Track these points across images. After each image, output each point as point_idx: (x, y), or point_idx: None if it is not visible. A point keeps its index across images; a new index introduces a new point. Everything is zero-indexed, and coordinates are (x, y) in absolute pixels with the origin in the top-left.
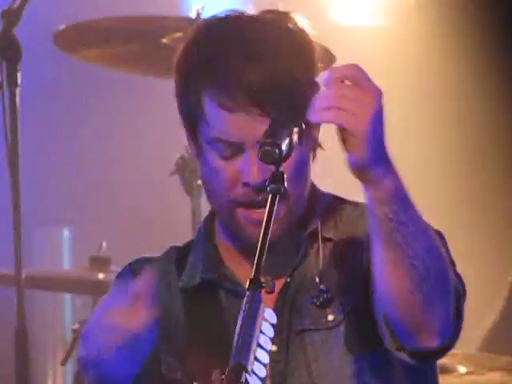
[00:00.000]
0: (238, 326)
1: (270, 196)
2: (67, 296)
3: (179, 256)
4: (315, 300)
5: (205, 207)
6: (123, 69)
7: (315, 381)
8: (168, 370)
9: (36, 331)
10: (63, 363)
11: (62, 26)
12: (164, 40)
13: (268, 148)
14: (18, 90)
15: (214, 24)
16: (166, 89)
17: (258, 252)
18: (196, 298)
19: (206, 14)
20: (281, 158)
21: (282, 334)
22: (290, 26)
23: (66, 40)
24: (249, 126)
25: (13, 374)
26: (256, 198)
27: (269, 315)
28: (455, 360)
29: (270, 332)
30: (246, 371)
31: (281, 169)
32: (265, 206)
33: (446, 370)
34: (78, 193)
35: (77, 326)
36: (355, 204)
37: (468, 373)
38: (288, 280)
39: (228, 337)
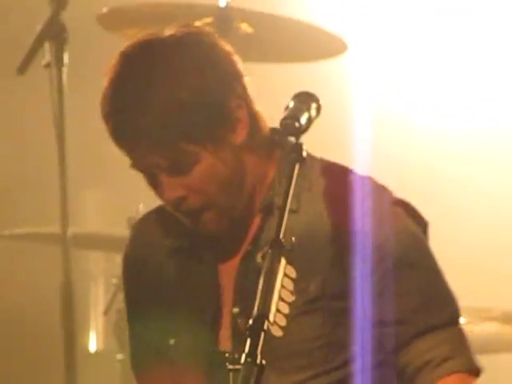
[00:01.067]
0: (260, 281)
1: (290, 164)
2: (108, 253)
3: (162, 217)
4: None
5: None
6: None
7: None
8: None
9: (80, 285)
10: (105, 313)
11: (106, 9)
12: (197, 23)
13: (288, 121)
14: (64, 69)
15: (120, 59)
16: None
17: (279, 215)
18: (173, 263)
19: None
20: (300, 130)
21: (245, 296)
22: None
23: (109, 21)
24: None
25: (59, 324)
26: (181, 207)
27: (289, 271)
28: None
29: (290, 286)
30: (269, 321)
31: (300, 140)
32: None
33: None
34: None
35: (116, 280)
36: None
37: (466, 323)
38: (250, 247)
39: (197, 299)
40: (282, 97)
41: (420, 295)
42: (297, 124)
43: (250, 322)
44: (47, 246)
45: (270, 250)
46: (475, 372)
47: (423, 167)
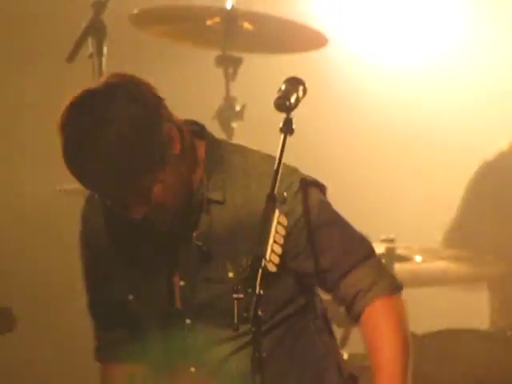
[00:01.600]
0: (260, 228)
1: (282, 136)
2: None
3: None
4: (206, 255)
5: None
6: (178, 41)
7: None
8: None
9: None
10: None
11: (136, 10)
12: (207, 22)
13: (281, 101)
14: (103, 59)
15: (65, 114)
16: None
17: (274, 173)
18: (131, 227)
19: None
20: (290, 108)
21: (188, 275)
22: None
23: (138, 20)
24: None
25: None
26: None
27: (282, 220)
28: (412, 251)
29: (283, 231)
30: (265, 259)
31: (290, 116)
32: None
33: (405, 259)
34: None
35: None
36: (242, 153)
37: (422, 261)
38: (186, 234)
39: (152, 260)
40: (276, 81)
41: (338, 244)
42: (287, 103)
43: (250, 261)
44: None
45: (266, 204)
46: (397, 289)
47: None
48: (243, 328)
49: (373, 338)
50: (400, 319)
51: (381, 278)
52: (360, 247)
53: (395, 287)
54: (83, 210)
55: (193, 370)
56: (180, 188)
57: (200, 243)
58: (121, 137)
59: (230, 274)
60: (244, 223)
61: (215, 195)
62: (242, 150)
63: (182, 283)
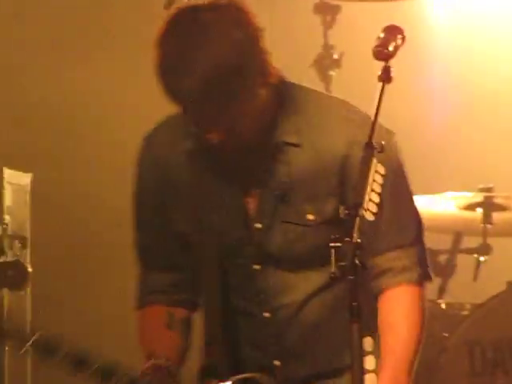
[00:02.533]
0: (358, 179)
1: (382, 85)
2: None
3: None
4: (286, 199)
5: None
6: None
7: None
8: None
9: None
10: None
11: None
12: None
13: (380, 49)
14: None
15: (168, 26)
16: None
17: (373, 121)
18: (195, 164)
19: None
20: (388, 56)
21: (265, 218)
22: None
23: None
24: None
25: None
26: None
27: (379, 168)
28: (510, 200)
29: (380, 180)
30: (362, 207)
31: (389, 64)
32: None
33: (503, 208)
34: None
35: None
36: (317, 97)
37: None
38: (264, 177)
39: (221, 196)
40: (374, 29)
41: (397, 217)
42: (386, 51)
43: (347, 210)
44: None
45: (363, 152)
46: (426, 280)
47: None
48: (316, 273)
49: (391, 319)
50: (421, 310)
51: (416, 266)
52: (413, 229)
53: (425, 278)
54: (148, 140)
55: (267, 315)
56: (259, 120)
57: (278, 186)
58: (220, 58)
59: (310, 217)
60: (322, 166)
61: (291, 138)
62: (316, 94)
63: (258, 225)
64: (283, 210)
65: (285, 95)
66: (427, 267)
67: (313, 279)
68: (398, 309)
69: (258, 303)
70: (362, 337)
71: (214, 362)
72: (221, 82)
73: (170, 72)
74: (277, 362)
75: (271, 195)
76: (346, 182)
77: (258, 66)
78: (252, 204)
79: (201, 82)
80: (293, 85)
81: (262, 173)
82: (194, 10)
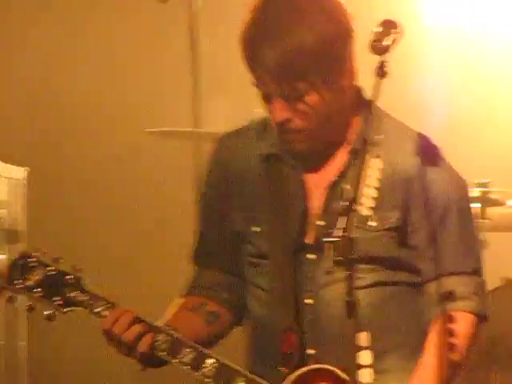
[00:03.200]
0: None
1: (378, 79)
2: None
3: (260, 128)
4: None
5: None
6: None
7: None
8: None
9: None
10: None
11: None
12: None
13: (376, 43)
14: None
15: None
16: None
17: (369, 117)
18: (266, 166)
19: None
20: (384, 50)
21: (329, 213)
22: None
23: None
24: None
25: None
26: (284, 127)
27: (377, 163)
28: (506, 196)
29: (378, 174)
30: (355, 202)
31: (384, 59)
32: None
33: (498, 203)
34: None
35: None
36: (394, 121)
37: None
38: (336, 178)
39: (285, 197)
40: (370, 23)
41: (463, 244)
42: (381, 45)
43: (342, 204)
44: (183, 141)
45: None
46: (483, 318)
47: None
48: (366, 273)
49: (448, 339)
50: (473, 340)
51: (475, 297)
52: (475, 259)
53: (484, 315)
54: (217, 149)
55: (310, 301)
56: (326, 118)
57: (347, 190)
58: (303, 41)
59: (373, 223)
60: (392, 180)
61: (372, 150)
62: (389, 115)
63: (321, 223)
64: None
65: (364, 107)
66: (487, 305)
67: (361, 276)
68: (465, 332)
69: (305, 290)
70: (356, 329)
71: (291, 351)
72: (297, 64)
73: (252, 41)
74: (311, 351)
75: (339, 195)
76: (410, 199)
77: (340, 61)
78: (318, 200)
79: (278, 59)
80: (370, 101)
81: (335, 172)
82: None
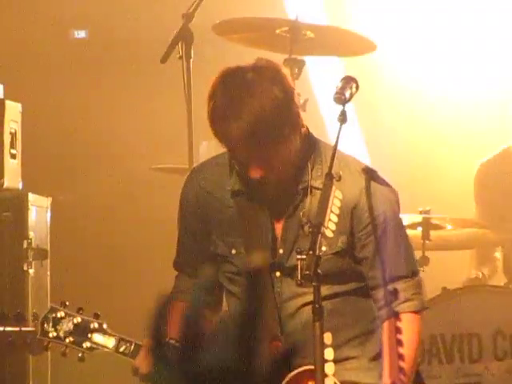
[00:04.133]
0: (319, 202)
1: (339, 125)
2: None
3: (228, 164)
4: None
5: None
6: (252, 46)
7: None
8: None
9: None
10: None
11: (218, 21)
12: (277, 31)
13: (338, 95)
14: (191, 60)
15: (219, 86)
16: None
17: (332, 156)
18: (236, 200)
19: (301, 17)
20: (345, 101)
21: (287, 243)
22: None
23: (219, 29)
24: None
25: None
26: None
27: (338, 194)
28: (444, 221)
29: (338, 203)
30: (324, 226)
31: (345, 108)
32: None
33: (438, 227)
34: None
35: None
36: (347, 163)
37: (452, 229)
38: (291, 212)
39: (255, 226)
40: (333, 80)
41: (402, 252)
42: (343, 97)
43: (310, 228)
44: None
45: (319, 182)
46: (424, 309)
47: None
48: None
49: (404, 339)
50: (419, 334)
51: (417, 296)
52: (412, 262)
53: (422, 308)
54: (193, 174)
55: (279, 312)
56: (292, 164)
57: (305, 220)
58: (262, 109)
59: (324, 248)
60: (345, 208)
61: (317, 183)
62: (339, 151)
63: (281, 251)
64: (301, 239)
65: (312, 147)
66: (423, 297)
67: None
68: (411, 332)
69: (273, 301)
70: (321, 332)
71: (284, 354)
72: (262, 130)
73: (220, 120)
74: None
75: (295, 224)
76: (356, 223)
77: (293, 118)
78: (278, 230)
79: (246, 129)
80: (317, 139)
81: (290, 207)
82: (239, 69)
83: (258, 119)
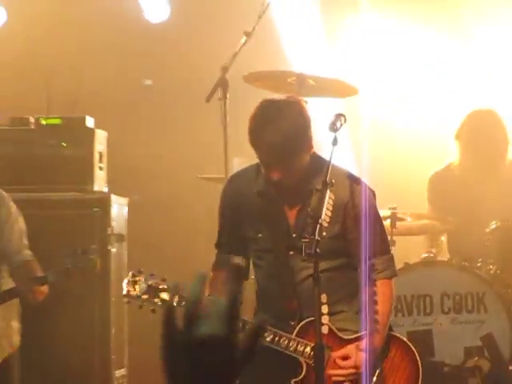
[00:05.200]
0: (317, 201)
1: (332, 147)
2: None
3: (254, 171)
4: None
5: None
6: (270, 90)
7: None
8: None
9: None
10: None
11: (247, 73)
12: (288, 79)
13: (332, 125)
14: (227, 101)
15: (259, 108)
16: None
17: (326, 168)
18: (260, 198)
19: (304, 71)
20: (336, 129)
21: (298, 229)
22: (293, 108)
23: (248, 78)
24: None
25: None
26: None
27: (331, 195)
28: (406, 215)
29: (331, 202)
30: (321, 218)
31: (336, 135)
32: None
33: (402, 219)
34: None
35: None
36: (339, 173)
37: (411, 221)
38: (301, 207)
39: (274, 217)
40: (326, 114)
41: (379, 235)
42: (335, 127)
43: (312, 219)
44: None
45: (321, 186)
46: (394, 276)
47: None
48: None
49: (379, 299)
50: (392, 295)
51: (389, 267)
52: (386, 243)
53: (393, 275)
54: (231, 180)
55: (293, 278)
56: (301, 173)
57: (312, 212)
58: (288, 129)
59: (324, 233)
60: (335, 205)
61: (319, 187)
62: (333, 164)
63: (293, 235)
64: (309, 226)
65: (317, 161)
66: (395, 267)
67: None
68: (383, 294)
69: (287, 274)
70: (319, 293)
71: (295, 309)
72: (285, 144)
73: (257, 132)
74: (299, 305)
75: (305, 215)
76: (346, 215)
77: (308, 140)
78: (292, 219)
79: (274, 141)
80: (320, 156)
81: (300, 203)
82: (275, 100)
83: (284, 136)
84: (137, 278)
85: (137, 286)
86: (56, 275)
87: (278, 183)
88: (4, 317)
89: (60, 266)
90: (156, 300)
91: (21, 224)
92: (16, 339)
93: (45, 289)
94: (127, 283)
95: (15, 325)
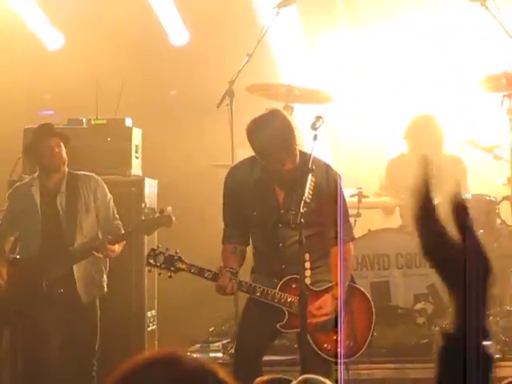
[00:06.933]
0: (301, 183)
1: (313, 142)
2: None
3: (251, 162)
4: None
5: None
6: (266, 97)
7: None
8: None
9: None
10: None
11: (249, 84)
12: (280, 90)
13: (312, 125)
14: (233, 107)
15: (253, 121)
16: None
17: (309, 157)
18: (256, 184)
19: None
20: (317, 128)
21: (285, 206)
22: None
23: (250, 89)
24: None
25: None
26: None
27: (312, 178)
28: (369, 193)
29: (312, 184)
30: (305, 196)
31: (316, 133)
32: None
33: (366, 197)
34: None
35: None
36: (318, 161)
37: (373, 198)
38: (288, 189)
39: (267, 198)
40: (308, 117)
41: (342, 209)
42: (315, 126)
43: (297, 197)
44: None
45: (304, 171)
46: (353, 239)
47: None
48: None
49: (346, 255)
50: (351, 251)
51: (350, 232)
52: (348, 214)
53: (352, 239)
54: (230, 171)
55: (280, 245)
56: (295, 162)
57: (298, 191)
58: (280, 131)
59: (304, 209)
60: (316, 186)
61: (303, 172)
62: (310, 155)
63: (282, 211)
64: (299, 204)
65: (303, 155)
66: (352, 232)
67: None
68: (348, 251)
69: (278, 239)
70: (304, 253)
71: (279, 270)
72: (280, 143)
73: (255, 136)
74: (283, 266)
75: (297, 194)
76: (321, 194)
77: (293, 138)
78: (281, 198)
79: (271, 141)
80: (304, 151)
81: (289, 184)
82: (263, 115)
83: (278, 137)
84: (156, 252)
85: (157, 258)
86: (136, 227)
87: (286, 171)
88: (93, 269)
89: (137, 222)
90: (172, 268)
91: (111, 200)
92: (102, 288)
93: (116, 248)
94: (148, 256)
95: (102, 276)
